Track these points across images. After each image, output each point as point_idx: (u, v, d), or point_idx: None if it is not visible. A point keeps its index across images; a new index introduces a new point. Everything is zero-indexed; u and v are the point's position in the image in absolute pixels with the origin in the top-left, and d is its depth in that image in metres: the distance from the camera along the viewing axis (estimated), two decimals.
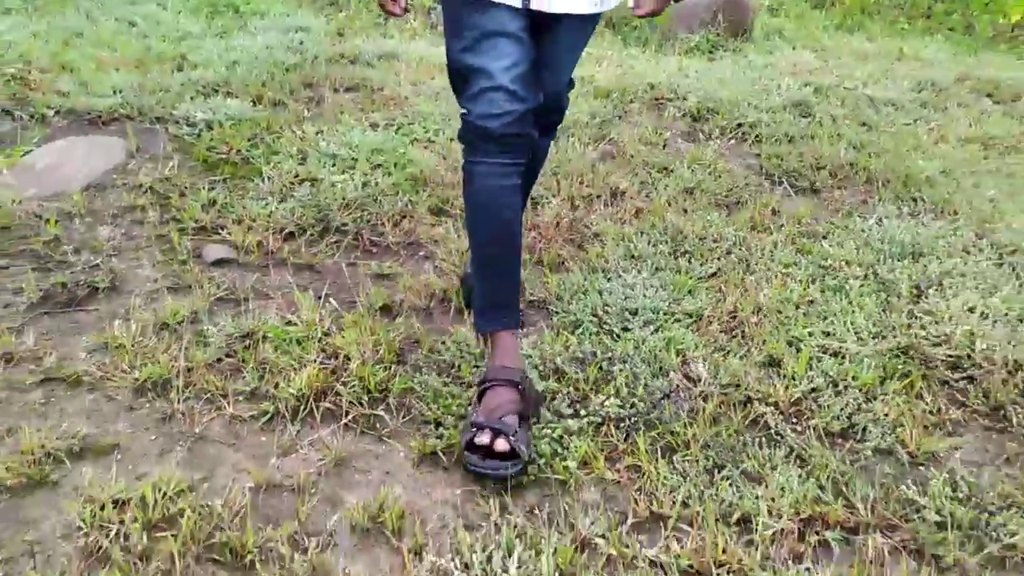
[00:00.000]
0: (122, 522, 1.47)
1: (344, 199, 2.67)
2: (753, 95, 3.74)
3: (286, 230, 2.53)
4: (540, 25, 1.77)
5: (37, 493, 1.56)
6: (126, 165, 2.94)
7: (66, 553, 1.43)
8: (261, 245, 2.45)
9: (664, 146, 3.30)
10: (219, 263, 2.38)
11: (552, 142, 2.22)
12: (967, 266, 2.38)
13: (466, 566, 1.43)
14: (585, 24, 1.83)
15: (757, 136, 3.39)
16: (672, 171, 3.02)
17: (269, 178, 2.81)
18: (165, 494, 1.54)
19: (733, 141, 3.40)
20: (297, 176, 2.83)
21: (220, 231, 2.53)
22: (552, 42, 1.81)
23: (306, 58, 3.91)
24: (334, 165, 2.88)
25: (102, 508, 1.50)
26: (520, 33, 1.72)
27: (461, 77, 1.76)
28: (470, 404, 1.81)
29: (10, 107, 3.26)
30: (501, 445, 1.62)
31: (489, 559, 1.43)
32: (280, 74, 3.70)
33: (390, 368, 1.92)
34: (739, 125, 3.47)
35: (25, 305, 2.13)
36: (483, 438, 1.64)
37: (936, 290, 2.25)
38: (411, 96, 3.60)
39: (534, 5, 1.72)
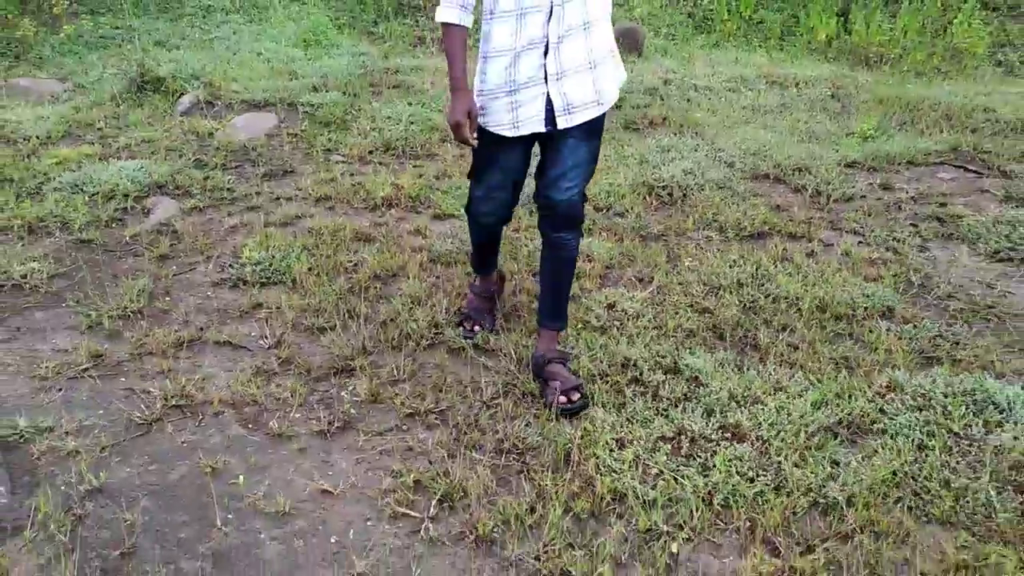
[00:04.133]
0: (329, 226, 3.91)
1: (396, 136, 5.09)
2: (625, 84, 6.12)
3: (369, 149, 4.96)
4: (556, 138, 2.19)
5: (299, 221, 3.99)
6: (279, 125, 5.38)
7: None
8: (359, 154, 4.88)
9: None
10: (339, 161, 4.82)
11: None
12: (691, 155, 4.76)
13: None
14: (593, 123, 2.30)
15: (620, 107, 5.79)
16: None
17: (357, 129, 5.23)
18: (334, 222, 3.95)
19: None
20: (371, 128, 5.25)
21: (337, 150, 4.96)
22: (571, 146, 2.19)
23: (368, 70, 6.35)
24: (390, 121, 5.30)
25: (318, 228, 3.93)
26: (523, 161, 2.28)
27: (476, 174, 2.47)
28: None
29: (212, 99, 5.71)
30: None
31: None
32: (354, 79, 6.14)
33: (424, 189, 4.33)
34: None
35: (258, 176, 4.57)
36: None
37: (671, 163, 4.63)
38: (430, 88, 6.02)
39: (561, 125, 2.15)
